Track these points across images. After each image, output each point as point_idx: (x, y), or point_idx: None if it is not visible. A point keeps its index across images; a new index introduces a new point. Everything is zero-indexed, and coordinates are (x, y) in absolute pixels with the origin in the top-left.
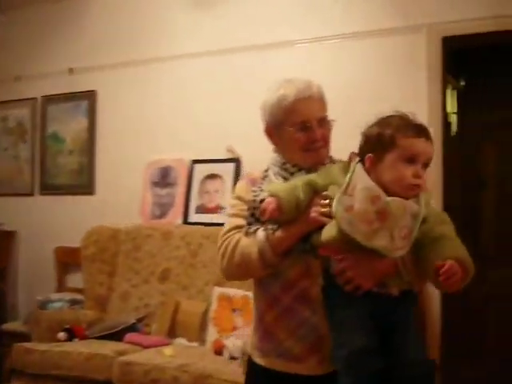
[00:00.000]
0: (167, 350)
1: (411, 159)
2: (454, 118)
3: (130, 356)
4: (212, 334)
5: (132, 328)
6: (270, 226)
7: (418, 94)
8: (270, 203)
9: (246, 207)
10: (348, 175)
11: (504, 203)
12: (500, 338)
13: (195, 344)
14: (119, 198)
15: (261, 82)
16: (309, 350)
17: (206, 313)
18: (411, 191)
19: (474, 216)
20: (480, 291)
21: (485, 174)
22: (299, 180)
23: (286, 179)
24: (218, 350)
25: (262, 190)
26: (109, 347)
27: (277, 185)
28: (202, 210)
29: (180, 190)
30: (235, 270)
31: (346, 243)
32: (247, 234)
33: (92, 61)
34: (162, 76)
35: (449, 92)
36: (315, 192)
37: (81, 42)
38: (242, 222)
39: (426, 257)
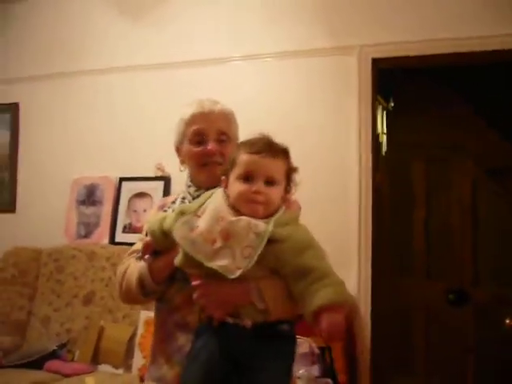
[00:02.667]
0: (89, 380)
1: (247, 176)
2: (384, 139)
3: None
4: (138, 360)
5: (53, 355)
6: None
7: (348, 115)
8: (145, 239)
9: None
10: (205, 198)
11: (432, 220)
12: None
13: (120, 371)
14: (42, 216)
15: (192, 99)
16: (179, 379)
17: (132, 338)
18: (251, 207)
19: (404, 234)
20: (409, 306)
21: (414, 192)
22: (176, 208)
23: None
24: (144, 377)
25: None
26: (26, 377)
27: (153, 217)
28: (129, 229)
29: (106, 208)
30: (124, 296)
31: (194, 266)
32: (139, 259)
33: (15, 72)
34: (88, 90)
35: (379, 113)
36: None
37: (3, 52)
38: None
39: (300, 297)
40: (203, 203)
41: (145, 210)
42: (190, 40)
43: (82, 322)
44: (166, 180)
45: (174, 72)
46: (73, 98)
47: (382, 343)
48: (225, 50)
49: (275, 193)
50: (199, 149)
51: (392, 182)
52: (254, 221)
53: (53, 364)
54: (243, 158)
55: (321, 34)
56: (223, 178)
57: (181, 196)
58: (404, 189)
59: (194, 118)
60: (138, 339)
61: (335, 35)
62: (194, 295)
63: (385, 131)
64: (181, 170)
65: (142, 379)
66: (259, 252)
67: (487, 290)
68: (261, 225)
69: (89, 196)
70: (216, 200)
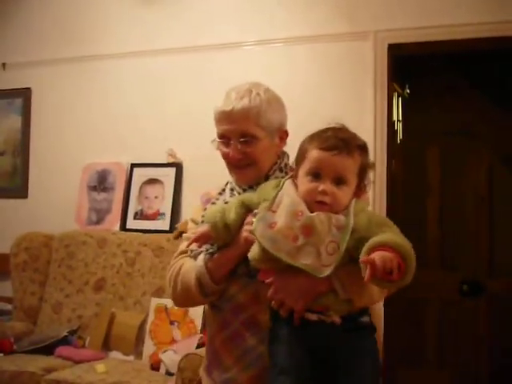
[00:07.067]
0: (99, 367)
1: (315, 173)
2: (399, 126)
3: (58, 373)
4: (149, 347)
5: (64, 341)
6: (210, 250)
7: (364, 102)
8: (199, 230)
9: None
10: (275, 191)
11: (447, 209)
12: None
13: (131, 358)
14: (53, 202)
15: (204, 85)
16: (253, 381)
17: (142, 325)
18: (317, 207)
19: (418, 222)
20: (422, 297)
21: (429, 180)
22: (235, 199)
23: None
24: (155, 365)
25: None
26: (37, 363)
27: (209, 208)
28: (140, 216)
29: (118, 194)
30: (180, 298)
31: (272, 262)
32: (193, 256)
33: (27, 56)
34: (100, 75)
35: (394, 99)
36: (249, 211)
37: (16, 36)
38: (193, 246)
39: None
40: (275, 197)
41: (156, 197)
42: (201, 25)
43: (93, 308)
44: (178, 166)
45: (185, 57)
46: (85, 83)
47: (395, 334)
48: (237, 34)
49: (344, 193)
50: (225, 151)
51: (407, 169)
52: (333, 214)
53: (64, 350)
54: (313, 153)
55: (336, 18)
56: (294, 167)
57: (228, 187)
58: (418, 176)
59: (218, 117)
60: (148, 326)
61: (351, 20)
62: (270, 291)
63: (400, 118)
64: None
65: (152, 367)
66: (345, 246)
67: (503, 282)
68: (341, 218)
69: (100, 182)
70: (289, 194)
